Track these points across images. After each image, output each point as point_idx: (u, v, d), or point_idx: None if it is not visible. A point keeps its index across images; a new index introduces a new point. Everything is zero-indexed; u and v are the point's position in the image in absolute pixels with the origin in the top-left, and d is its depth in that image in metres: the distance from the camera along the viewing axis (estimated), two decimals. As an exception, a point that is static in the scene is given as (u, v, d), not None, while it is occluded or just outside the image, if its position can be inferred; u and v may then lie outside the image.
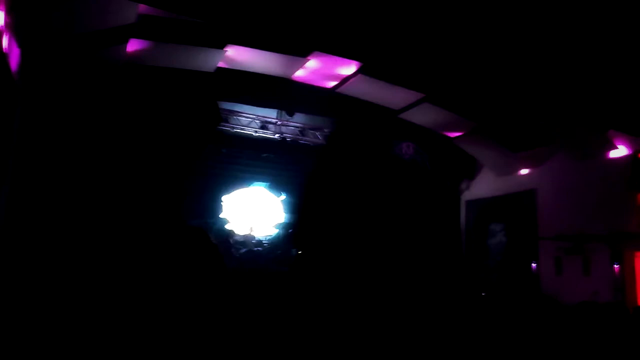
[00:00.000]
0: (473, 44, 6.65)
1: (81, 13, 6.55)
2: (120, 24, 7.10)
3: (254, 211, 12.52)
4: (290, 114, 11.76)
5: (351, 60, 8.67)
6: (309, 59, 8.72)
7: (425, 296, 1.86)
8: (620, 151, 9.33)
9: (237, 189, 12.73)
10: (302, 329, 1.85)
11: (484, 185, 12.48)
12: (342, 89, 9.75)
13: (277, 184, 12.47)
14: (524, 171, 11.38)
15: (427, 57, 7.10)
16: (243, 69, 9.13)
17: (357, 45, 6.96)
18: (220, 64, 8.93)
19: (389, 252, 1.90)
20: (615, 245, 8.97)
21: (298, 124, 12.03)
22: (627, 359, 2.96)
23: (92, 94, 9.07)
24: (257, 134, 12.06)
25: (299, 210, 2.20)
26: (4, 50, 5.55)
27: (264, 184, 12.85)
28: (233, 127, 11.76)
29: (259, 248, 12.21)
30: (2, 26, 5.27)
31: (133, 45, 7.94)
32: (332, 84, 9.67)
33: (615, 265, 8.98)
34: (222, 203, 12.50)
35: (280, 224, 12.42)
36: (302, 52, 8.53)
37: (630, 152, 9.14)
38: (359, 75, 9.13)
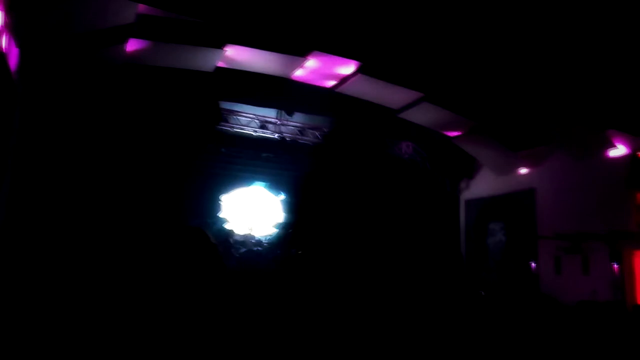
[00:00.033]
0: (472, 43, 6.65)
1: (80, 13, 6.54)
2: (120, 24, 7.09)
3: (253, 211, 12.52)
4: (290, 114, 11.76)
5: (350, 60, 8.67)
6: (308, 59, 8.72)
7: (424, 294, 1.86)
8: (619, 150, 9.34)
9: (237, 188, 12.73)
10: (301, 328, 1.85)
11: (483, 185, 12.49)
12: (342, 89, 9.74)
13: (276, 184, 12.46)
14: (524, 170, 11.39)
15: (426, 57, 7.10)
16: (242, 69, 9.13)
17: (356, 44, 6.96)
18: (220, 64, 8.93)
19: (387, 251, 1.91)
20: (614, 244, 8.97)
21: (297, 124, 12.02)
22: (626, 357, 2.96)
23: (91, 94, 9.07)
24: (257, 134, 12.06)
25: (296, 210, 2.21)
26: (3, 50, 5.55)
27: (264, 183, 12.85)
28: (232, 127, 11.75)
29: (259, 248, 12.21)
30: (1, 26, 5.27)
31: (132, 45, 7.94)
32: (332, 83, 9.67)
33: (614, 264, 8.98)
34: (221, 203, 12.49)
35: (280, 223, 12.42)
36: (301, 52, 8.53)
37: (629, 152, 9.15)
38: (358, 75, 9.13)
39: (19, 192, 7.58)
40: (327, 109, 10.16)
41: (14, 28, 5.91)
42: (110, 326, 1.68)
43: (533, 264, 10.68)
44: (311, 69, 9.15)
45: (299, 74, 9.32)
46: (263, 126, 11.92)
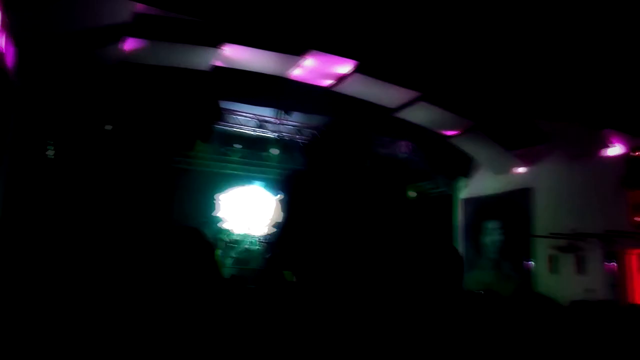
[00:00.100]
0: (469, 43, 6.67)
1: (77, 11, 6.53)
2: (116, 23, 7.08)
3: (250, 210, 12.52)
4: (288, 113, 11.75)
5: (348, 59, 8.67)
6: (305, 58, 8.72)
7: (419, 293, 1.87)
8: (615, 150, 9.38)
9: (234, 187, 12.73)
10: (299, 327, 1.86)
11: (479, 184, 12.52)
12: (339, 88, 9.75)
13: (274, 183, 12.46)
14: (520, 169, 11.42)
15: (424, 56, 7.11)
16: (239, 68, 9.12)
17: (353, 43, 6.96)
18: (217, 63, 8.92)
19: (384, 251, 1.92)
20: (610, 244, 9.01)
21: (295, 123, 12.02)
22: (621, 357, 2.99)
23: (88, 93, 9.06)
24: (255, 133, 12.05)
25: (288, 210, 2.21)
26: (1, 50, 5.54)
27: (261, 182, 12.85)
28: (230, 126, 11.75)
29: (256, 247, 12.20)
30: (-3, 25, 5.25)
31: (129, 44, 7.92)
32: (329, 82, 9.67)
33: (610, 263, 9.03)
34: (218, 202, 12.49)
35: (279, 223, 12.38)
36: (298, 51, 8.52)
37: (626, 151, 9.19)
38: (355, 74, 9.14)
39: (15, 191, 7.56)
40: (324, 108, 10.16)
41: (11, 27, 5.89)
42: (105, 326, 1.68)
43: (528, 263, 10.72)
44: (308, 68, 9.15)
45: (296, 73, 9.31)
46: (261, 125, 11.92)
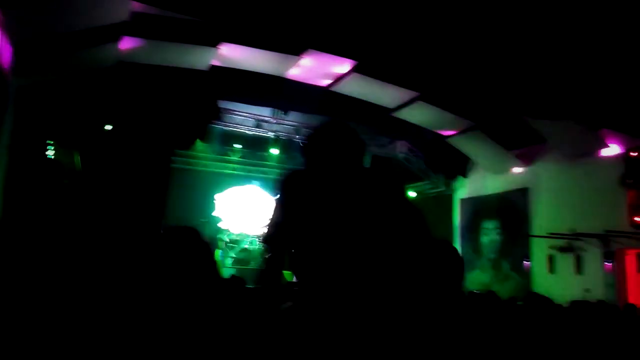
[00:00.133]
0: (467, 43, 6.67)
1: (74, 10, 6.50)
2: (113, 22, 7.06)
3: (248, 210, 12.50)
4: (285, 112, 11.74)
5: (345, 59, 8.66)
6: (303, 57, 8.71)
7: (420, 294, 1.86)
8: (612, 150, 9.39)
9: (231, 187, 12.71)
10: (299, 327, 1.85)
11: (477, 184, 12.53)
12: (337, 88, 9.74)
13: (271, 183, 12.45)
14: (518, 169, 11.43)
15: (422, 56, 7.11)
16: (237, 67, 9.10)
17: (351, 43, 6.96)
18: (215, 62, 8.90)
19: (381, 250, 1.90)
20: (608, 243, 9.02)
21: (293, 122, 12.01)
22: (619, 356, 2.98)
23: (85, 92, 9.03)
24: (252, 132, 12.04)
25: (288, 210, 2.19)
26: (-4, 48, 5.51)
27: (258, 182, 12.83)
28: (227, 125, 11.73)
29: (256, 247, 12.18)
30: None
31: (126, 43, 7.90)
32: (327, 82, 9.66)
33: (608, 263, 9.03)
34: (215, 201, 12.47)
35: (278, 223, 12.35)
36: (296, 50, 8.51)
37: (623, 151, 9.20)
38: (353, 74, 9.13)
39: (12, 191, 7.53)
40: (322, 107, 10.15)
41: (6, 25, 5.87)
42: (104, 326, 1.67)
43: (526, 263, 10.73)
44: (306, 68, 9.14)
45: (294, 72, 9.30)
46: (258, 125, 11.90)
